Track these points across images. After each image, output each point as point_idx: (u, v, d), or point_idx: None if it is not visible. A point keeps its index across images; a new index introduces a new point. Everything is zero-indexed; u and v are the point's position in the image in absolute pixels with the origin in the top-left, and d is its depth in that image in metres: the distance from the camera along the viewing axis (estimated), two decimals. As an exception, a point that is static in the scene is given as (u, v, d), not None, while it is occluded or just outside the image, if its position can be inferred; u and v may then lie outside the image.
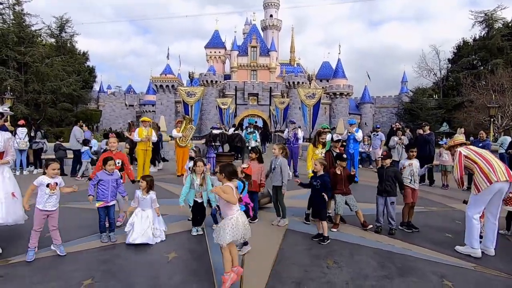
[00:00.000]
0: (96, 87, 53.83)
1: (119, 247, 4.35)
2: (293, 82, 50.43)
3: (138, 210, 4.54)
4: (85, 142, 10.26)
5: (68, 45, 36.37)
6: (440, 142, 12.09)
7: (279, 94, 49.68)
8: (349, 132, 9.42)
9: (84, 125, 12.33)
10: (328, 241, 4.58)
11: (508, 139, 9.61)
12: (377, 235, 5.00)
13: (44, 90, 27.02)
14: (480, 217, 4.48)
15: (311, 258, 4.07)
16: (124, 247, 4.34)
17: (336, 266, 3.86)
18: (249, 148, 9.27)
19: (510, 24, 37.25)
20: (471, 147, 4.75)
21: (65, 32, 36.25)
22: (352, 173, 5.40)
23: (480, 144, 9.30)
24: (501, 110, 24.89)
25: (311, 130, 16.40)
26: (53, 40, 35.03)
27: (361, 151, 13.35)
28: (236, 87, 51.04)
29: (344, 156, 5.53)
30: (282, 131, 19.68)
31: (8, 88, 20.82)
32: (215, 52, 59.68)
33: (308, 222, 5.54)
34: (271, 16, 62.06)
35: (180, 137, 10.44)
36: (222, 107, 29.54)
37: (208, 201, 4.93)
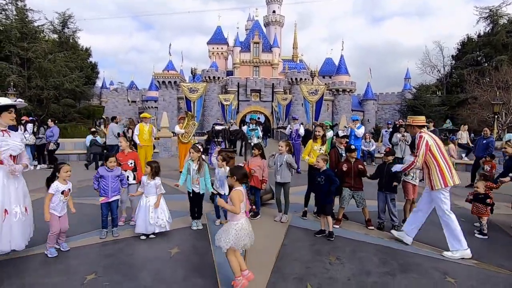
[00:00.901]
0: (99, 83, 53.89)
1: (121, 242, 4.38)
2: (296, 79, 50.26)
3: (143, 197, 4.60)
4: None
5: (71, 41, 36.31)
6: (453, 138, 11.90)
7: (281, 90, 49.53)
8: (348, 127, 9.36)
9: (118, 121, 12.46)
10: (333, 237, 4.59)
11: (513, 136, 9.55)
12: (379, 231, 5.00)
13: (47, 86, 27.05)
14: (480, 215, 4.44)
15: (314, 254, 4.08)
16: (127, 242, 4.37)
17: (339, 262, 3.86)
18: (252, 144, 9.25)
19: (515, 20, 36.90)
20: (433, 135, 4.33)
21: (68, 28, 36.19)
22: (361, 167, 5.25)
23: (484, 141, 9.26)
24: (505, 107, 24.68)
25: (313, 127, 16.33)
26: (55, 36, 35.00)
27: (363, 148, 13.29)
28: (238, 83, 50.92)
29: (353, 147, 5.35)
30: (285, 128, 19.68)
31: (11, 84, 20.90)
32: (217, 48, 59.49)
33: (305, 218, 5.61)
34: (273, 12, 61.69)
35: (183, 134, 10.46)
36: (225, 103, 29.48)
37: (211, 197, 4.97)
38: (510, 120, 25.77)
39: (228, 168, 5.11)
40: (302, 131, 10.98)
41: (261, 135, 15.54)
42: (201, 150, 5.12)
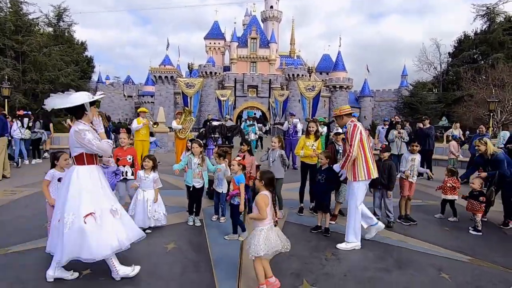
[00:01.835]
0: (95, 77, 53.42)
1: (118, 237, 4.36)
2: (293, 75, 50.18)
3: (139, 192, 4.58)
4: (151, 134, 10.56)
5: (66, 34, 35.87)
6: (455, 136, 11.88)
7: (278, 86, 49.47)
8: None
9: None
10: (330, 233, 4.62)
11: (508, 134, 9.62)
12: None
13: (42, 80, 26.78)
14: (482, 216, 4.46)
15: (310, 250, 4.10)
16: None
17: (335, 258, 3.89)
18: (248, 140, 9.23)
19: (511, 18, 37.00)
20: (361, 126, 4.21)
21: (63, 21, 35.72)
22: None
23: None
24: (500, 105, 24.84)
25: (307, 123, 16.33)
26: (50, 29, 34.56)
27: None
28: (235, 79, 50.77)
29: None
30: (282, 124, 19.65)
31: (6, 77, 20.64)
32: (214, 43, 59.16)
33: (301, 214, 5.64)
34: (271, 7, 61.40)
35: (180, 129, 10.43)
36: (222, 99, 29.40)
37: (212, 194, 4.95)
38: (506, 117, 25.97)
39: (223, 164, 5.11)
40: (300, 127, 10.98)
41: (258, 131, 15.53)
42: (201, 143, 5.10)
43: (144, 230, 4.47)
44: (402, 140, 9.70)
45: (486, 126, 14.17)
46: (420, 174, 5.72)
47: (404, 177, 5.50)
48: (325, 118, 16.08)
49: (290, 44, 64.34)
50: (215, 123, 11.87)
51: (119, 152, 5.11)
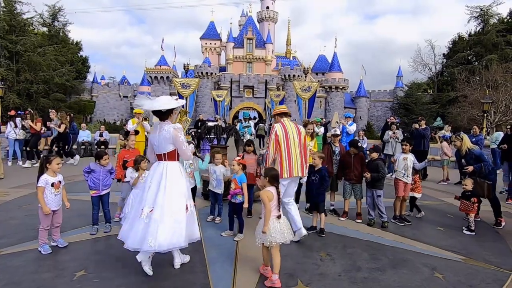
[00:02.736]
0: (90, 77, 53.01)
1: (112, 237, 4.32)
2: (289, 75, 50.21)
3: (134, 191, 4.53)
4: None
5: (61, 34, 35.70)
6: (446, 137, 12.00)
7: (274, 87, 49.46)
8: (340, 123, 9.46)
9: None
10: (324, 234, 4.64)
11: (502, 134, 9.72)
12: (370, 228, 5.06)
13: (37, 80, 26.62)
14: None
15: (305, 250, 4.11)
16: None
17: (329, 258, 3.90)
18: (244, 141, 9.23)
19: (505, 20, 37.41)
20: (290, 126, 4.31)
21: (58, 21, 35.56)
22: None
23: (474, 139, 9.39)
24: (494, 106, 25.11)
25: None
26: (45, 29, 34.37)
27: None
28: (231, 79, 50.69)
29: (359, 144, 5.60)
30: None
31: (0, 77, 20.48)
32: (210, 43, 59.04)
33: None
34: (267, 8, 61.42)
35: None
36: (217, 99, 29.31)
37: (207, 195, 4.94)
38: (499, 118, 26.23)
39: (221, 165, 5.11)
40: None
41: (254, 132, 15.54)
42: (192, 143, 5.12)
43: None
44: (397, 140, 9.76)
45: (480, 126, 14.29)
46: (417, 172, 5.77)
47: (399, 177, 5.52)
48: (321, 118, 16.06)
49: (286, 44, 64.45)
50: (210, 123, 11.87)
51: (126, 154, 5.18)
